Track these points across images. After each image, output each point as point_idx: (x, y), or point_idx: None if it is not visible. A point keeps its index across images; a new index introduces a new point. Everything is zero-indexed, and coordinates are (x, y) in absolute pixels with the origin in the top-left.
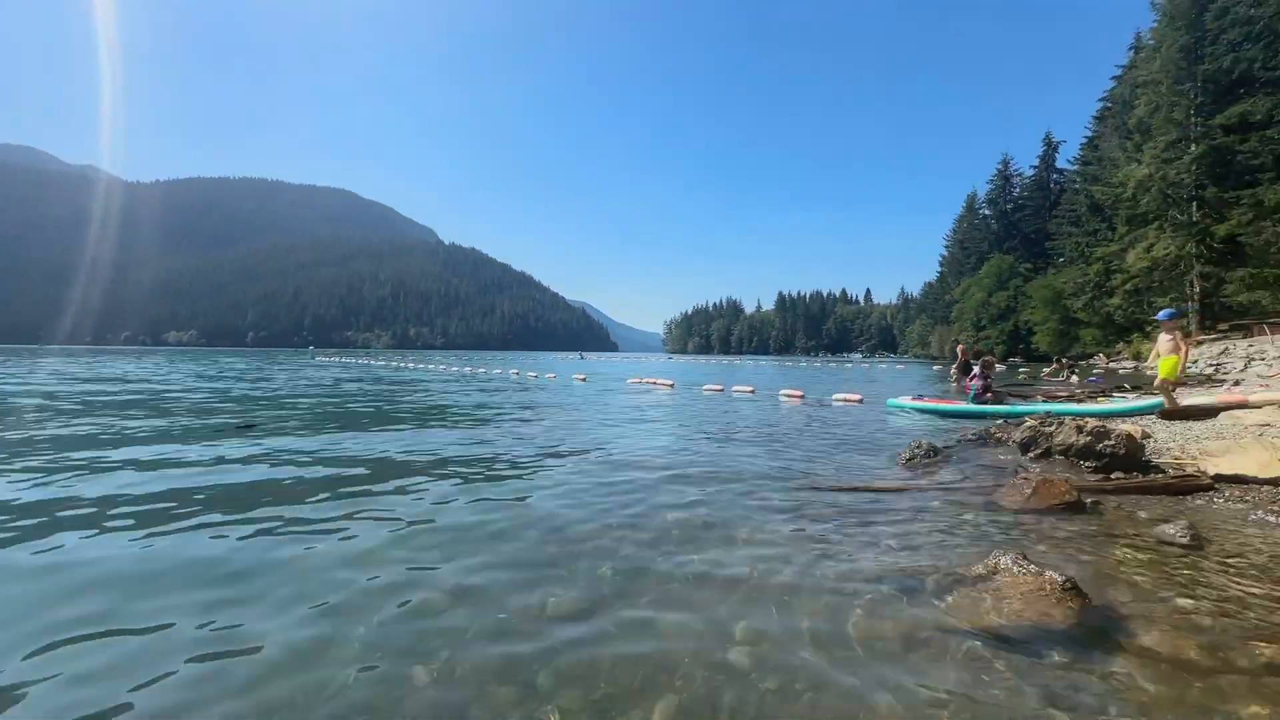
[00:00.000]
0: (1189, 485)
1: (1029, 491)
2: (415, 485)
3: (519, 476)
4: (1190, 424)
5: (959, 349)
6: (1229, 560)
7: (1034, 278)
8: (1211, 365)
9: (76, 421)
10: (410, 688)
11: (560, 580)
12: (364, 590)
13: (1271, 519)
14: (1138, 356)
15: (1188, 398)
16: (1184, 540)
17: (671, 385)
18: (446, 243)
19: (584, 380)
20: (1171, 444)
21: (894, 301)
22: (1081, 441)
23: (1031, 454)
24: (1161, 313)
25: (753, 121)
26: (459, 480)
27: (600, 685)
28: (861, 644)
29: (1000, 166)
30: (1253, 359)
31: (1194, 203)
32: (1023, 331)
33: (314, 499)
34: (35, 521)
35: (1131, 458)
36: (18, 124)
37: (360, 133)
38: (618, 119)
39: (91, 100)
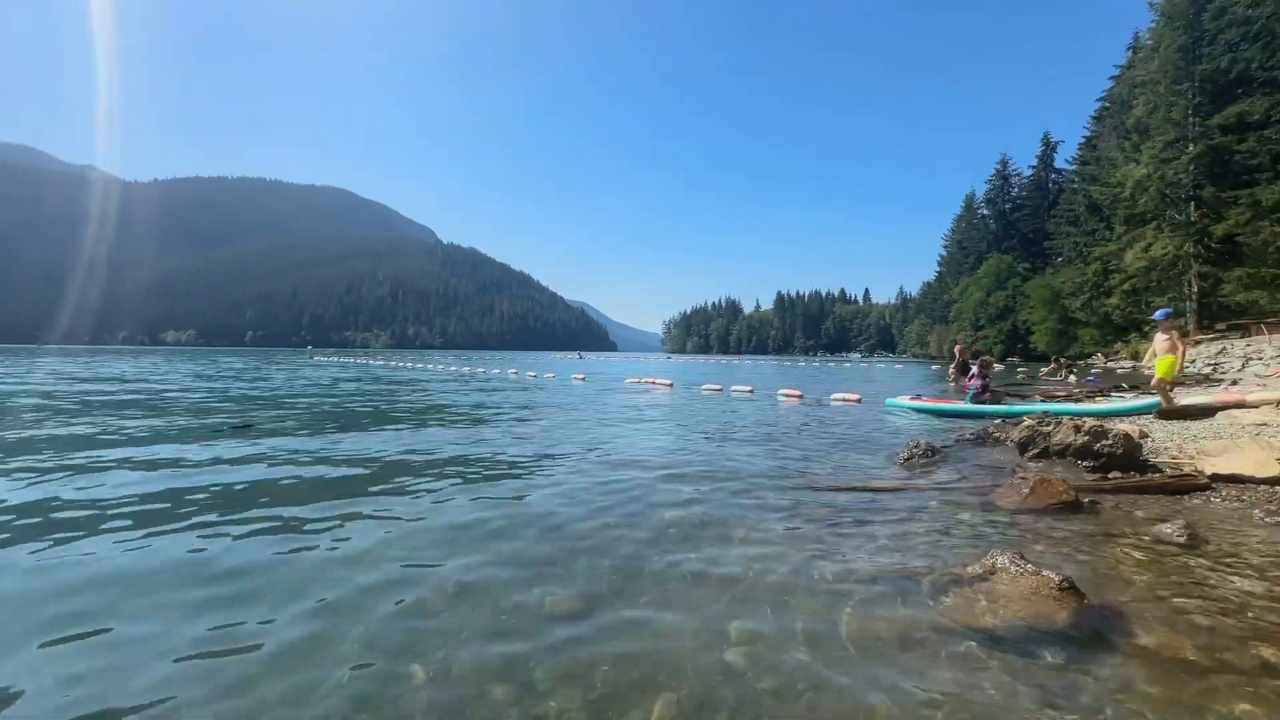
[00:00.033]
0: (1186, 485)
1: (1026, 491)
2: (413, 485)
3: (517, 476)
4: (1188, 423)
5: (957, 349)
6: (1226, 560)
7: (1032, 277)
8: (1209, 365)
9: (73, 421)
10: (407, 686)
11: (558, 579)
12: (361, 589)
13: (1268, 518)
14: (1135, 356)
15: (1185, 397)
16: (1181, 540)
17: (670, 385)
18: (445, 242)
19: (583, 380)
20: (1169, 443)
21: (893, 301)
22: (1079, 441)
23: (1029, 454)
24: (1158, 312)
25: (752, 121)
26: (457, 480)
27: (598, 684)
28: (858, 644)
29: (999, 166)
30: (1250, 358)
31: (1192, 202)
32: (1021, 331)
33: (311, 499)
34: (31, 521)
35: (1129, 457)
36: (15, 123)
37: (359, 132)
38: (617, 118)
39: (89, 99)
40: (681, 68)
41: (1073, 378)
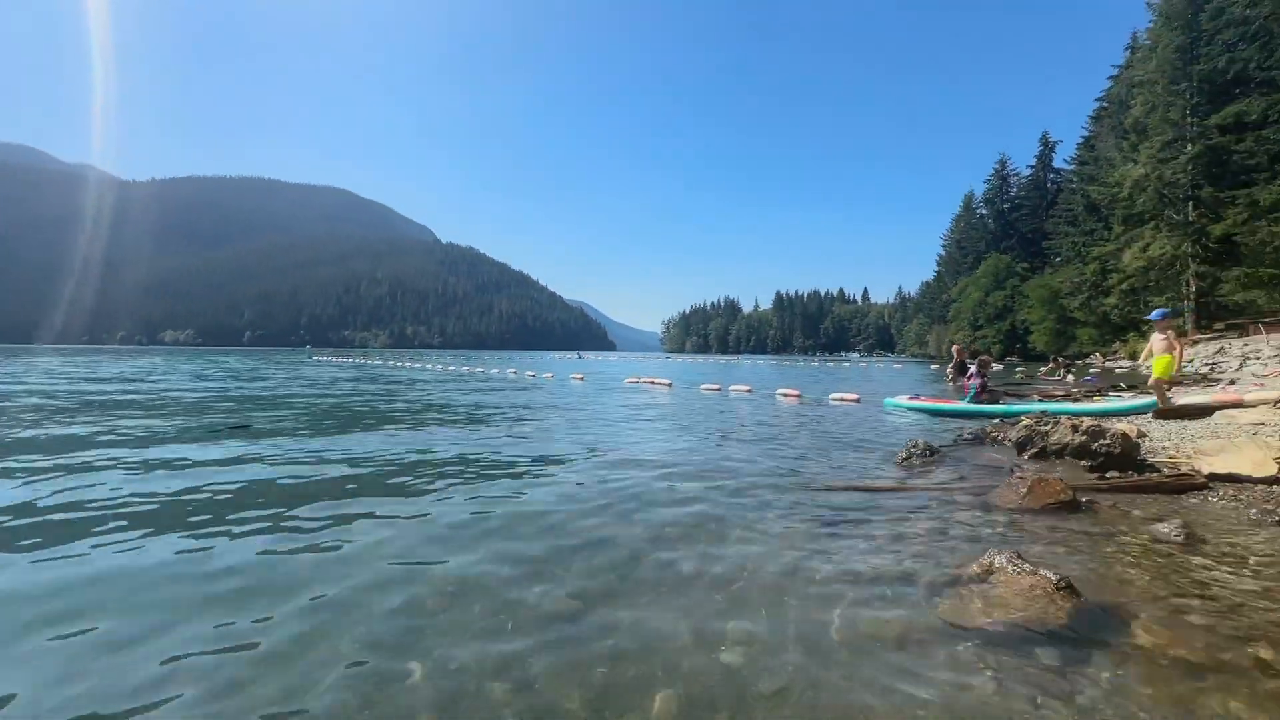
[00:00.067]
0: (1183, 484)
1: (1024, 491)
2: (411, 485)
3: (515, 476)
4: (1185, 423)
5: (954, 349)
6: (1223, 559)
7: (1031, 277)
8: (1207, 364)
9: (70, 422)
10: (406, 684)
11: (556, 578)
12: (359, 588)
13: (1265, 518)
14: (1134, 355)
15: (1183, 397)
16: (1178, 539)
17: (669, 384)
18: (444, 242)
19: (581, 380)
20: (1166, 443)
21: (891, 301)
22: (1077, 441)
23: (1027, 453)
24: (1154, 313)
25: (752, 121)
26: (455, 480)
27: (596, 683)
28: (856, 644)
29: (997, 166)
30: (1248, 358)
31: (1190, 202)
32: (1019, 331)
33: (309, 499)
34: (27, 522)
35: (1126, 457)
36: (13, 122)
37: (358, 132)
38: (617, 118)
39: (87, 99)
40: (681, 68)
41: (1070, 377)
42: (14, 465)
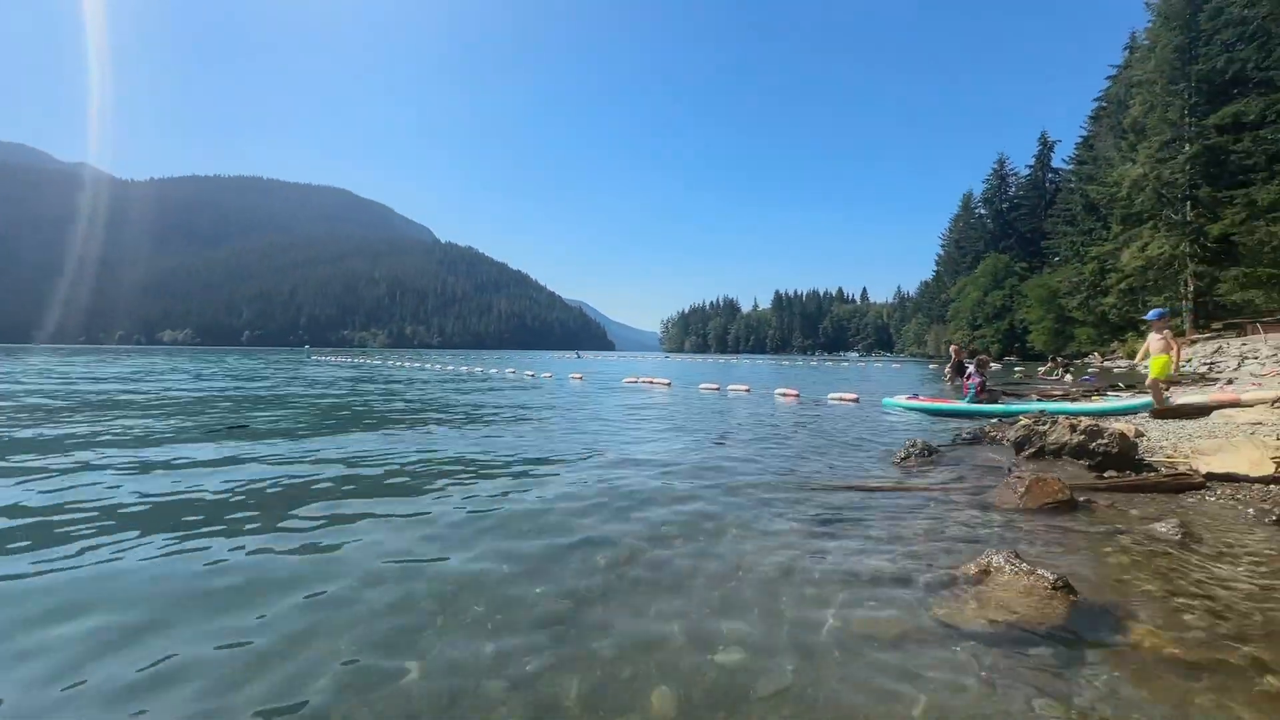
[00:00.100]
0: (1181, 484)
1: (1022, 490)
2: (408, 484)
3: (513, 475)
4: (1183, 422)
5: (952, 349)
6: (1220, 558)
7: (1029, 277)
8: (1205, 364)
9: (66, 422)
10: (402, 682)
11: (553, 576)
12: (355, 586)
13: (1263, 517)
14: (1132, 355)
15: (1181, 396)
16: (1176, 538)
17: (669, 384)
18: (443, 241)
19: (580, 380)
20: (1164, 442)
21: (890, 301)
22: (1075, 440)
23: (1025, 453)
24: (1151, 312)
25: (752, 121)
26: (453, 479)
27: (593, 681)
28: (853, 643)
29: (996, 166)
30: (1246, 358)
31: (1188, 202)
32: (1018, 330)
33: (306, 498)
34: (21, 523)
35: (1124, 456)
36: (11, 122)
37: (358, 132)
38: (617, 118)
39: (84, 98)
40: (681, 68)
41: (1069, 377)
42: (11, 466)
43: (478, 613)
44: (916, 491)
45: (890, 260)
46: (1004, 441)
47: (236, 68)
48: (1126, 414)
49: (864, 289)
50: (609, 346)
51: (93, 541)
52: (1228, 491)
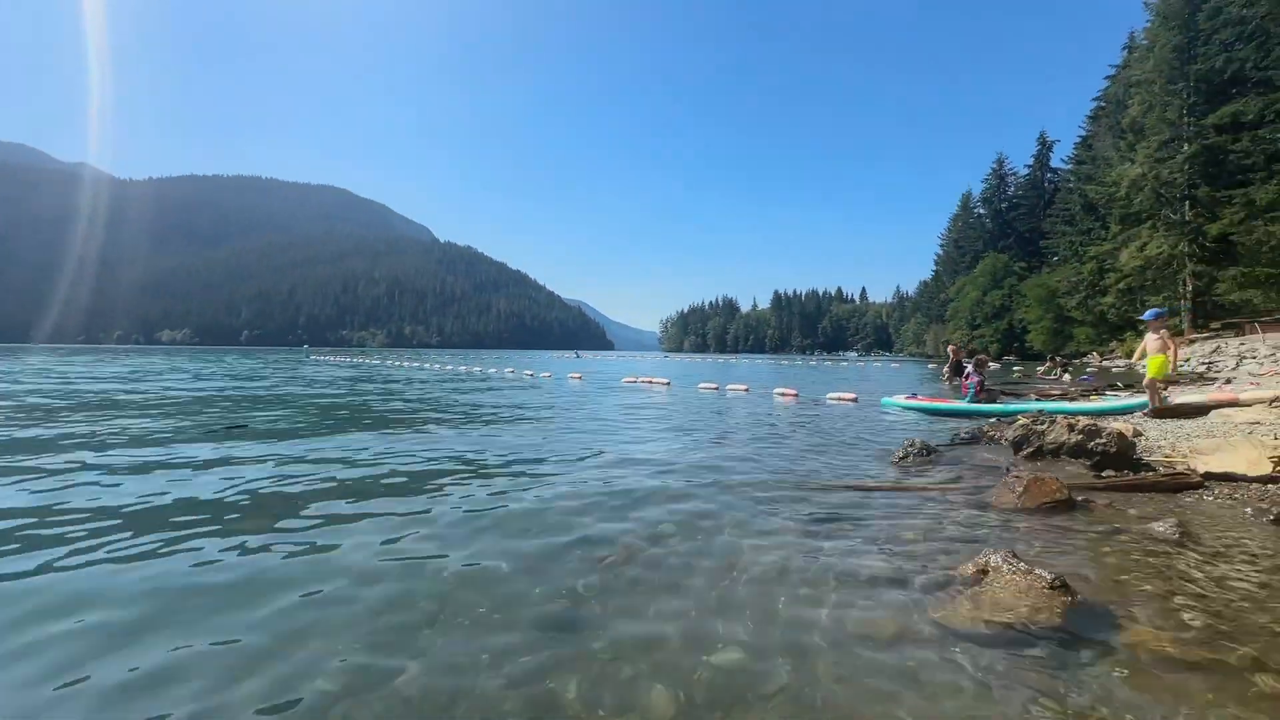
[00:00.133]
0: (1179, 483)
1: (1020, 490)
2: (406, 484)
3: (511, 475)
4: (1181, 422)
5: (949, 348)
6: (1218, 558)
7: (1028, 276)
8: (1203, 363)
9: (63, 422)
10: (400, 681)
11: (551, 576)
12: (352, 585)
13: (1261, 516)
14: (1131, 355)
15: (1179, 396)
16: (1173, 538)
17: (668, 383)
18: (442, 241)
19: (579, 379)
20: (1162, 442)
21: (889, 300)
22: (1073, 440)
23: (1024, 452)
24: (1147, 313)
25: (752, 120)
26: (450, 478)
27: (590, 681)
28: (849, 643)
29: (995, 166)
30: (1244, 357)
31: (1187, 202)
32: (1017, 330)
33: (303, 498)
34: (18, 524)
35: (1123, 456)
36: (9, 121)
37: (357, 131)
38: (617, 118)
39: (83, 97)
40: (681, 68)
41: (1067, 376)
42: (8, 466)
43: (476, 612)
44: (914, 491)
45: (889, 260)
46: (1002, 441)
47: (235, 67)
48: (1124, 413)
49: (863, 289)
50: (608, 346)
51: (91, 541)
52: (1225, 491)
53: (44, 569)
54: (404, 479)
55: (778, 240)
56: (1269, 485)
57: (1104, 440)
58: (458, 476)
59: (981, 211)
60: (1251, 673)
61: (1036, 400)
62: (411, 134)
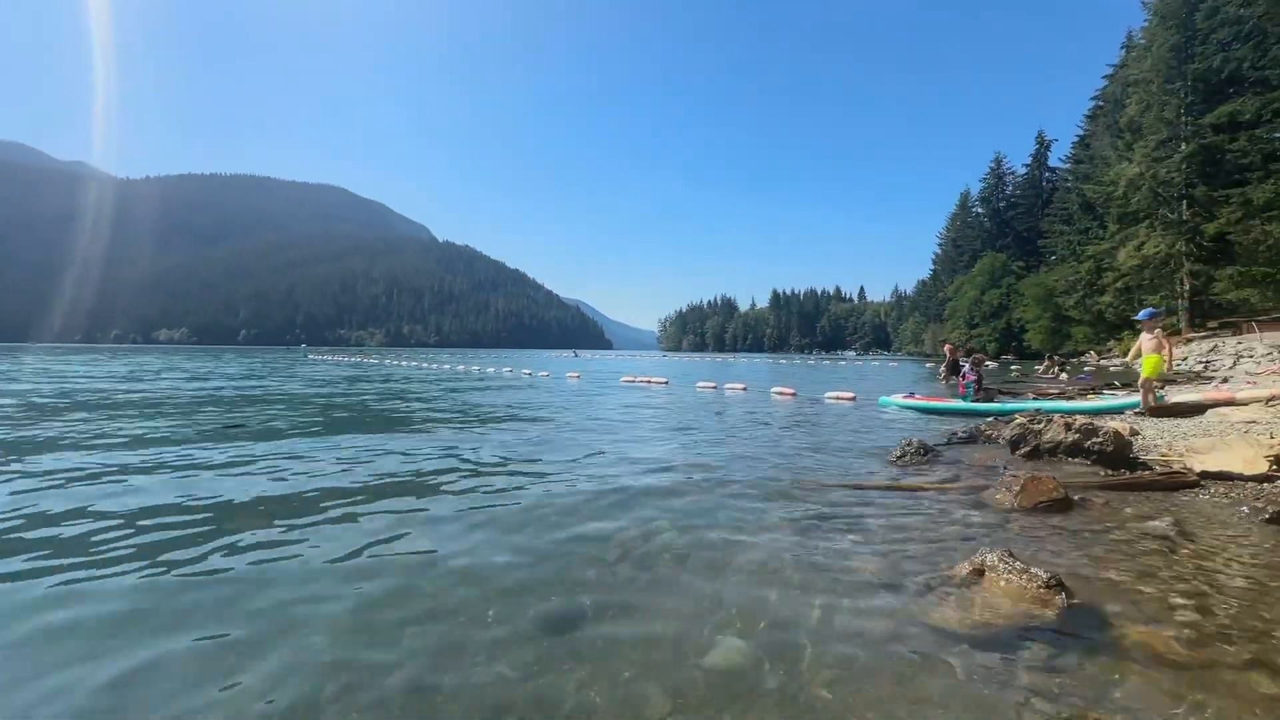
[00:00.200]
0: (1175, 482)
1: (1017, 489)
2: (402, 483)
3: (508, 473)
4: (1178, 421)
5: (946, 348)
6: (1214, 556)
7: (1026, 275)
8: (1201, 362)
9: (61, 422)
10: (391, 678)
11: (547, 574)
12: (346, 584)
13: (1256, 515)
14: (1127, 353)
15: (1176, 395)
16: (1170, 537)
17: (666, 382)
18: (441, 240)
19: (577, 378)
20: (1159, 441)
21: (888, 299)
22: (1070, 439)
23: (1020, 451)
24: (1142, 313)
25: (752, 120)
26: (447, 477)
27: (586, 680)
28: (846, 643)
29: (993, 165)
30: (1241, 356)
31: (1184, 201)
32: (1015, 329)
33: (299, 497)
34: (14, 524)
35: (1119, 455)
36: (7, 121)
37: (356, 130)
38: (617, 118)
39: (81, 97)
40: (681, 68)
41: (1064, 375)
42: (5, 467)
43: (471, 610)
44: (911, 490)
45: (888, 259)
46: (999, 440)
47: (235, 66)
48: (1120, 411)
49: (861, 288)
50: (607, 345)
51: (89, 540)
52: (1221, 490)
53: (37, 567)
54: (400, 478)
55: (777, 239)
56: (1265, 484)
57: (1101, 439)
58: (454, 475)
59: (980, 211)
60: (1248, 672)
61: (1034, 399)
62: (411, 133)
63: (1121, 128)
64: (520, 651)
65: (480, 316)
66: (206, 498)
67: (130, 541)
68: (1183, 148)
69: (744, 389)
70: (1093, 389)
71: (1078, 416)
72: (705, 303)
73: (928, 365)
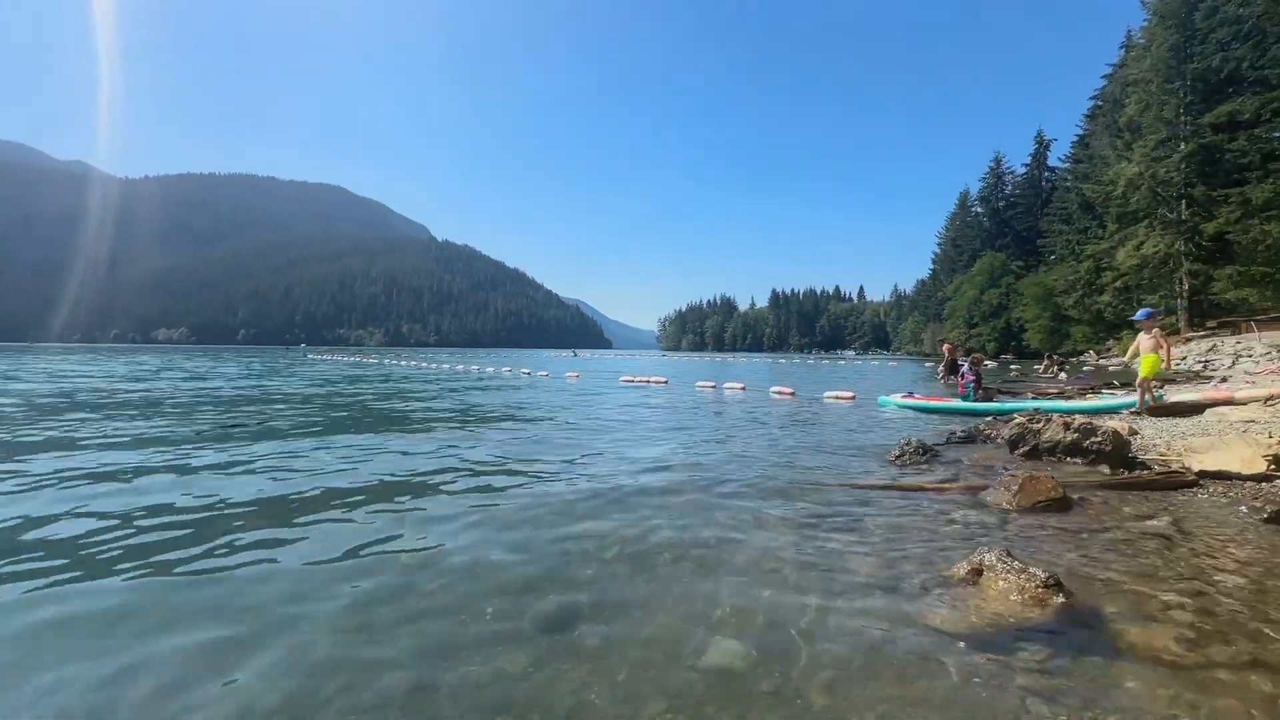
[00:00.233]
0: (1174, 481)
1: (1016, 489)
2: (399, 482)
3: (507, 472)
4: (1176, 420)
5: (944, 347)
6: (1212, 556)
7: (1025, 275)
8: (1200, 362)
9: (59, 422)
10: (386, 678)
11: (544, 574)
12: (342, 583)
13: (1254, 515)
14: (1127, 353)
15: (1174, 394)
16: (1168, 536)
17: (665, 382)
18: (440, 239)
19: (576, 378)
20: (1158, 440)
21: (887, 299)
22: (1069, 438)
23: (1019, 451)
24: (1139, 313)
25: (752, 120)
26: (444, 476)
27: (584, 680)
28: (844, 643)
29: (992, 164)
30: (1240, 356)
31: (1183, 201)
32: (1014, 328)
33: (297, 497)
34: (12, 524)
35: (1118, 454)
36: (7, 121)
37: (355, 130)
38: (617, 117)
39: (81, 96)
40: (681, 68)
41: (1063, 374)
42: (4, 467)
43: (469, 609)
44: (910, 490)
45: (888, 259)
46: (998, 440)
47: (234, 65)
48: (1119, 411)
49: (860, 287)
50: (606, 345)
51: (87, 539)
52: (1220, 489)
53: (36, 569)
54: (399, 477)
55: (777, 239)
56: (1263, 484)
57: (1099, 439)
58: (453, 475)
59: (979, 210)
60: (1246, 672)
61: (1033, 399)
62: (410, 133)
63: (1121, 127)
64: (518, 650)
65: (479, 316)
66: (205, 497)
67: (128, 540)
68: (1182, 147)
69: (743, 388)
70: (1091, 388)
71: (1076, 416)
72: (705, 302)
73: (927, 365)
